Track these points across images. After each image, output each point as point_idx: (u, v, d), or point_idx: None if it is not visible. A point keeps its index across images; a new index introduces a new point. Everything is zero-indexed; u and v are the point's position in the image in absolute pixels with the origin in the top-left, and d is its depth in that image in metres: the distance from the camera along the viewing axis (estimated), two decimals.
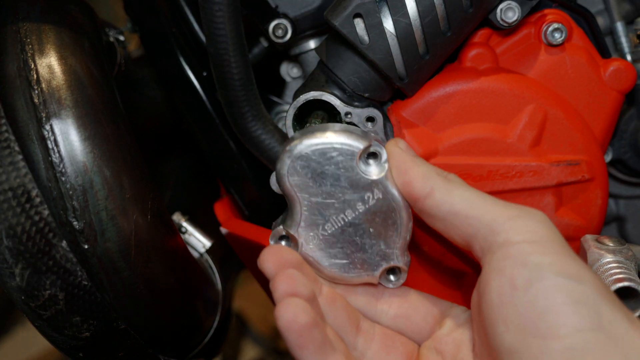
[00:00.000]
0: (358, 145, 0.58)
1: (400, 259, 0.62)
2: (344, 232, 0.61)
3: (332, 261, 0.62)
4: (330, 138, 0.59)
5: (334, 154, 0.58)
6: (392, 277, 0.63)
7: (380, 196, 0.59)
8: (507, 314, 0.50)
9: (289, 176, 0.59)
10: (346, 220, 0.61)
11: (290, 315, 0.52)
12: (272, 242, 0.62)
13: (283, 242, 0.63)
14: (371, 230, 0.61)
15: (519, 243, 0.51)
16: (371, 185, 0.59)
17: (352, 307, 0.63)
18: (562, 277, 0.49)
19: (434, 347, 0.61)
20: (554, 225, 0.53)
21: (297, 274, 0.56)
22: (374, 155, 0.59)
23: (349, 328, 0.61)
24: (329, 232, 0.61)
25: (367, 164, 0.59)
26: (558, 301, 0.48)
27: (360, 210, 0.60)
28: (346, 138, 0.59)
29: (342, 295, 0.63)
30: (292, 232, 0.61)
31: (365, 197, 0.59)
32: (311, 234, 0.61)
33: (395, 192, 0.59)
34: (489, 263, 0.53)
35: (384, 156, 0.59)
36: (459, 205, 0.55)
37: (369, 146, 0.59)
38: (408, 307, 0.64)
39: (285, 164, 0.59)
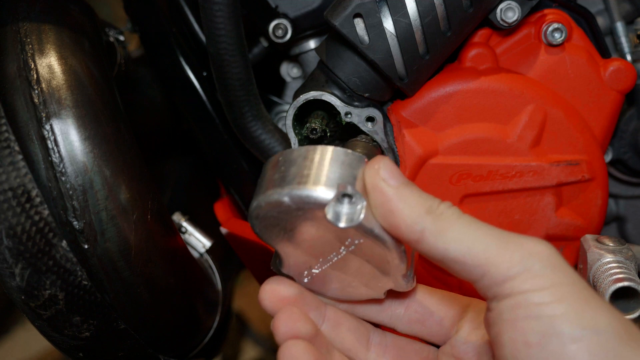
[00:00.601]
0: (322, 199, 0.51)
1: (402, 283, 0.56)
2: (335, 269, 0.57)
3: (331, 290, 0.59)
4: (291, 195, 0.51)
5: (299, 212, 0.52)
6: (399, 287, 0.58)
7: (362, 240, 0.52)
8: None
9: (261, 233, 0.55)
10: (333, 261, 0.56)
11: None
12: (274, 269, 0.60)
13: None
14: (363, 265, 0.55)
15: (527, 292, 0.48)
16: (348, 232, 0.52)
17: (359, 323, 0.62)
18: (577, 328, 0.46)
19: (453, 354, 0.60)
20: (562, 259, 0.49)
21: (295, 313, 0.55)
22: (349, 195, 0.51)
23: (358, 347, 0.60)
24: (319, 271, 0.57)
25: (342, 203, 0.51)
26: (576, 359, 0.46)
27: (344, 253, 0.54)
28: (308, 191, 0.51)
29: (348, 314, 0.61)
30: (284, 271, 0.59)
31: (346, 243, 0.53)
32: (304, 272, 0.58)
33: (377, 233, 0.52)
34: (496, 310, 0.49)
35: (358, 196, 0.51)
36: (454, 251, 0.49)
37: (339, 192, 0.51)
38: (423, 311, 0.61)
39: (255, 225, 0.54)
